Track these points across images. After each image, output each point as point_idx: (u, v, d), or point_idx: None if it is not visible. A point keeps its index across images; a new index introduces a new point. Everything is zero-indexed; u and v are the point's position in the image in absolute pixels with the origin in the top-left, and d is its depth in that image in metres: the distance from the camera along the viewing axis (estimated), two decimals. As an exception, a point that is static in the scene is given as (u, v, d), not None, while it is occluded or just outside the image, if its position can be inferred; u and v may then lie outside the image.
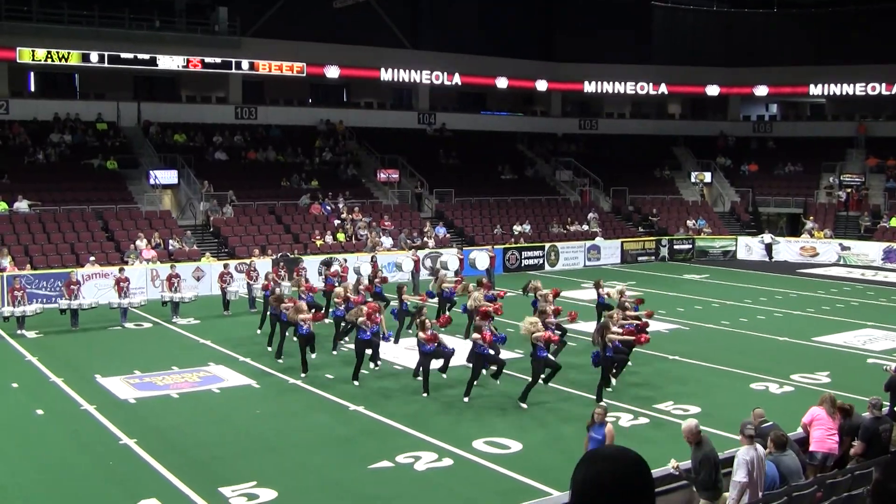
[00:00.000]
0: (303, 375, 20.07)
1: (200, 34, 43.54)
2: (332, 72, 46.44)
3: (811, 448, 12.40)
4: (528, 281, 25.03)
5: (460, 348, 19.88)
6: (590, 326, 23.02)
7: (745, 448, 10.61)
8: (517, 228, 42.26)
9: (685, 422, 11.69)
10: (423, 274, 34.41)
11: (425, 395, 18.41)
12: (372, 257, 32.62)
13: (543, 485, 13.18)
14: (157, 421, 16.90)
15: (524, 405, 17.54)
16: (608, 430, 11.94)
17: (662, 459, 11.99)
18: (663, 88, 54.68)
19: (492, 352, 18.78)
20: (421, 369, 18.91)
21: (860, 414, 12.78)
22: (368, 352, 19.89)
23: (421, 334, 18.52)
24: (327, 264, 31.43)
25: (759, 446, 10.72)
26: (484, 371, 18.80)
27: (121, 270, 28.18)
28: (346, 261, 33.27)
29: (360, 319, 19.45)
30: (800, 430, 12.96)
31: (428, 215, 43.13)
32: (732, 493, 10.47)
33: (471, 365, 18.57)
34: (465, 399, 18.04)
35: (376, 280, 27.54)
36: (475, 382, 18.40)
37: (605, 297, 24.77)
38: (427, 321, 18.93)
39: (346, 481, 13.82)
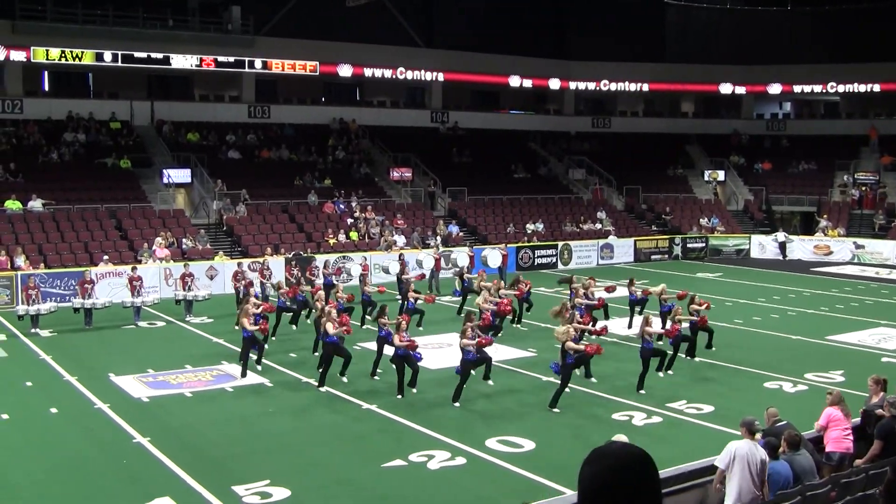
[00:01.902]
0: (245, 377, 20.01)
1: (214, 33, 43.66)
2: (346, 70, 46.50)
3: (828, 449, 12.33)
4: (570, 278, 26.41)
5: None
6: (615, 325, 23.21)
7: (741, 441, 10.58)
8: (530, 227, 42.23)
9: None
10: (443, 273, 34.27)
11: (400, 396, 18.24)
12: (400, 255, 32.75)
13: (557, 484, 13.16)
14: (170, 419, 16.95)
15: (556, 410, 17.38)
16: None
17: (676, 458, 11.96)
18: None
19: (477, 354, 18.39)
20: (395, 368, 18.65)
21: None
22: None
23: (396, 339, 18.39)
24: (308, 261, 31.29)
25: (758, 446, 10.60)
26: (473, 372, 18.57)
27: (133, 269, 28.25)
28: (366, 258, 33.28)
29: (328, 325, 19.22)
30: (813, 430, 12.88)
31: (441, 214, 43.11)
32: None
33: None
34: (456, 404, 17.81)
35: (410, 277, 27.61)
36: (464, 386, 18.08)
37: (636, 294, 25.84)
38: (404, 323, 18.79)
39: (359, 480, 13.83)
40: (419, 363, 18.51)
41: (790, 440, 11.14)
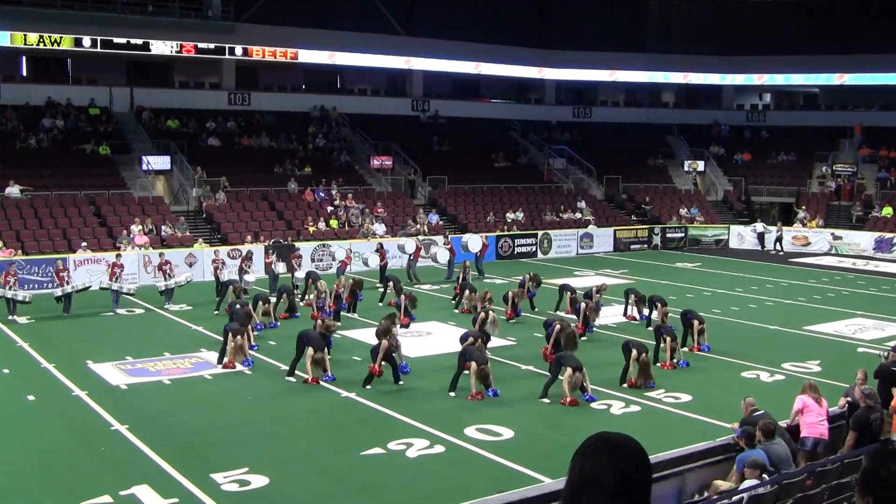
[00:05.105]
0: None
1: (194, 19, 43.35)
2: (326, 58, 46.31)
3: (803, 434, 12.44)
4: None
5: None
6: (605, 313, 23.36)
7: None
8: (510, 216, 42.25)
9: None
10: (421, 262, 34.23)
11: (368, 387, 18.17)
12: (379, 244, 32.99)
13: (535, 472, 13.21)
14: (148, 407, 16.89)
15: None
16: None
17: (653, 447, 11.96)
18: (657, 76, 54.79)
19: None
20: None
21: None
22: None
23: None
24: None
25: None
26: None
27: (118, 257, 28.29)
28: (350, 249, 33.28)
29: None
30: (789, 419, 12.97)
31: (421, 202, 43.09)
32: None
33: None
34: (451, 393, 17.87)
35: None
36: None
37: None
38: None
39: (337, 468, 13.84)
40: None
41: (765, 429, 11.23)
